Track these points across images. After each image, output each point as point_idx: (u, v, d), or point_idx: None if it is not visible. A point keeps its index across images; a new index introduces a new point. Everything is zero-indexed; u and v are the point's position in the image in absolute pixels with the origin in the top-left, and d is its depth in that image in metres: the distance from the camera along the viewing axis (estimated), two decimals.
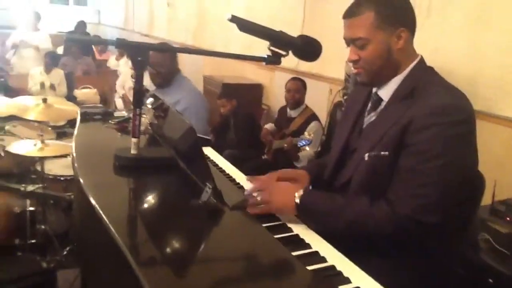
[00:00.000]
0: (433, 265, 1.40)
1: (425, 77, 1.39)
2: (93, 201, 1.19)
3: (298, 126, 3.87)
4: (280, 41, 1.41)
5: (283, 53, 1.43)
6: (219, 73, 6.00)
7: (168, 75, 2.78)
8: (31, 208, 2.89)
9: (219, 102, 4.50)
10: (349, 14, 1.39)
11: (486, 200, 2.38)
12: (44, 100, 3.69)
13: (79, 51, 7.33)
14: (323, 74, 4.31)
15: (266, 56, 1.43)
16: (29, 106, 3.65)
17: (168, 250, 1.07)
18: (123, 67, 6.70)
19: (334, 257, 1.18)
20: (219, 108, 4.56)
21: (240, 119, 4.53)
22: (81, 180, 1.33)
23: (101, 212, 1.12)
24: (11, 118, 3.59)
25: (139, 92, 1.40)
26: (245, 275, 1.00)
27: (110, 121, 2.05)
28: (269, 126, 4.17)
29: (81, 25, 9.10)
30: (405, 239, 1.29)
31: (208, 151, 2.05)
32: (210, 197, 1.20)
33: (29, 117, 3.48)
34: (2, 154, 2.69)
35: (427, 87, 1.35)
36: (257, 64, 5.38)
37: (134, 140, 1.44)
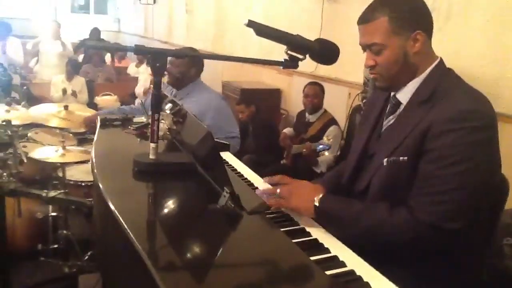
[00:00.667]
0: (456, 273, 1.37)
1: (445, 80, 1.36)
2: (112, 206, 1.19)
3: (316, 130, 3.85)
4: (297, 45, 1.41)
5: (301, 57, 1.42)
6: (237, 78, 6.02)
7: (181, 77, 2.79)
8: (53, 214, 2.93)
9: (238, 108, 4.50)
10: (363, 20, 1.38)
11: (510, 204, 2.33)
12: (66, 107, 3.75)
13: (99, 59, 7.45)
14: (341, 78, 4.29)
15: (283, 60, 1.43)
16: (51, 113, 3.71)
17: (185, 255, 1.07)
18: (143, 74, 6.78)
19: (354, 262, 1.16)
20: (238, 113, 4.58)
21: (259, 124, 4.53)
22: (100, 186, 1.34)
23: (119, 217, 1.12)
24: (34, 125, 3.66)
25: (158, 97, 1.41)
26: (263, 281, 0.99)
27: (129, 127, 2.07)
28: (287, 130, 4.16)
29: (95, 32, 9.20)
30: (425, 247, 1.27)
31: (227, 155, 2.05)
32: (228, 201, 1.20)
33: (51, 124, 3.54)
34: (25, 160, 2.73)
35: (447, 91, 1.32)
36: (275, 69, 5.38)
37: (152, 145, 1.45)
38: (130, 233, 1.05)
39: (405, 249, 1.29)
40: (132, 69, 8.01)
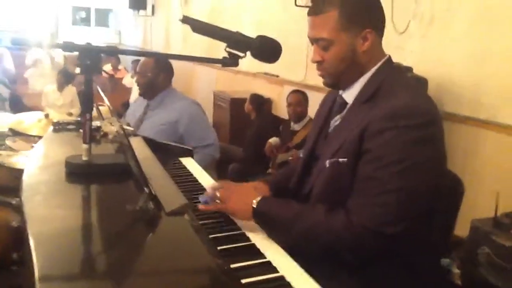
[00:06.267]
0: (409, 277, 1.29)
1: (389, 78, 1.30)
2: (25, 209, 1.12)
3: (301, 138, 3.79)
4: (236, 41, 1.35)
5: (241, 54, 1.36)
6: (230, 88, 5.99)
7: (150, 86, 2.73)
8: None
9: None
10: (313, 11, 1.31)
11: (485, 212, 2.25)
12: (46, 116, 3.70)
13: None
14: None
15: (222, 58, 1.37)
16: (31, 121, 3.67)
17: (77, 261, 0.97)
18: (135, 84, 6.76)
19: (288, 268, 1.10)
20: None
21: (248, 134, 4.49)
22: (23, 184, 1.28)
23: (27, 221, 1.05)
24: (13, 133, 3.61)
25: (88, 96, 1.35)
26: None
27: (80, 130, 2.00)
28: (273, 140, 4.10)
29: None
30: (366, 252, 1.19)
31: (188, 161, 1.99)
32: (147, 202, 1.12)
33: (31, 133, 3.49)
34: None
35: (389, 89, 1.26)
36: (266, 78, 5.34)
37: (84, 146, 1.39)
38: (31, 238, 0.97)
39: (347, 254, 1.21)
40: (127, 80, 8.00)
